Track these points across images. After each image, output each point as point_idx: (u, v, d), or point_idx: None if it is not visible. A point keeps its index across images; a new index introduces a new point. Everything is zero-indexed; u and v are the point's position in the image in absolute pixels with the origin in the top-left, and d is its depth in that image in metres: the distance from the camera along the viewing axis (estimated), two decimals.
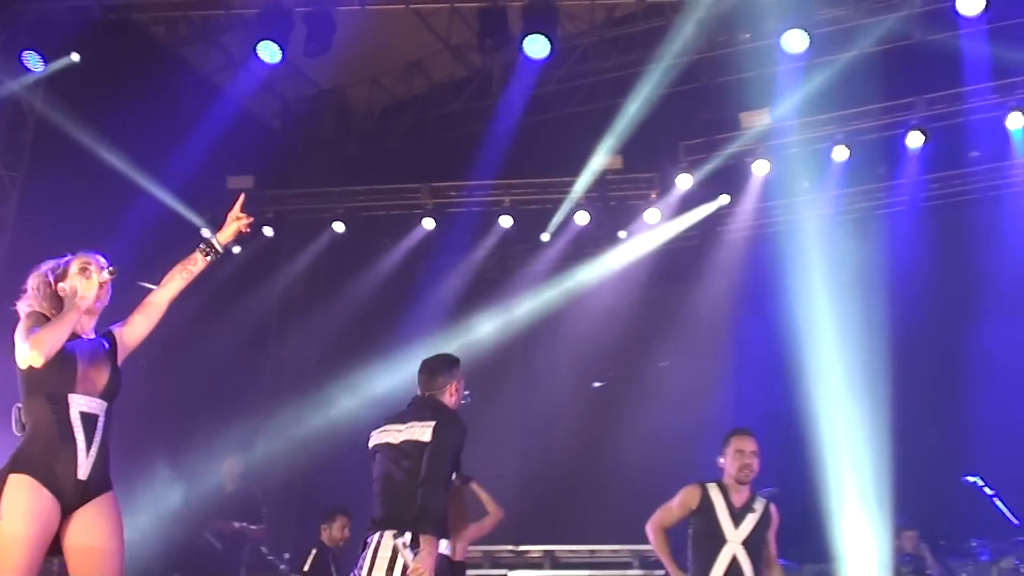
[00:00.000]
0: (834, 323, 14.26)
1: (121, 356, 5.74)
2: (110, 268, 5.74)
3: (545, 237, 15.75)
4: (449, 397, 6.89)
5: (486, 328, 15.80)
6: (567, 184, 15.36)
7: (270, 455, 14.83)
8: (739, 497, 7.94)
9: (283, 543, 13.11)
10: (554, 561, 12.64)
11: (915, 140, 13.89)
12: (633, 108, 14.31)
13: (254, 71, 14.05)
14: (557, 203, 15.56)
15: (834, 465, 12.80)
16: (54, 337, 5.29)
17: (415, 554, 5.91)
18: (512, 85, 14.44)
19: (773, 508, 8.06)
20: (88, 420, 5.43)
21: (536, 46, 12.67)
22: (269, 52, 12.95)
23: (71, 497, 5.32)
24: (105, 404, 5.52)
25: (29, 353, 5.25)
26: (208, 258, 5.95)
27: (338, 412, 15.04)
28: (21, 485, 5.22)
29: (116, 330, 5.82)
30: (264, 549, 12.62)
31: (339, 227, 15.64)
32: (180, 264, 5.95)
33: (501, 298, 16.02)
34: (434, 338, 15.67)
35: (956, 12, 11.87)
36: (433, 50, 15.80)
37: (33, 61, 12.96)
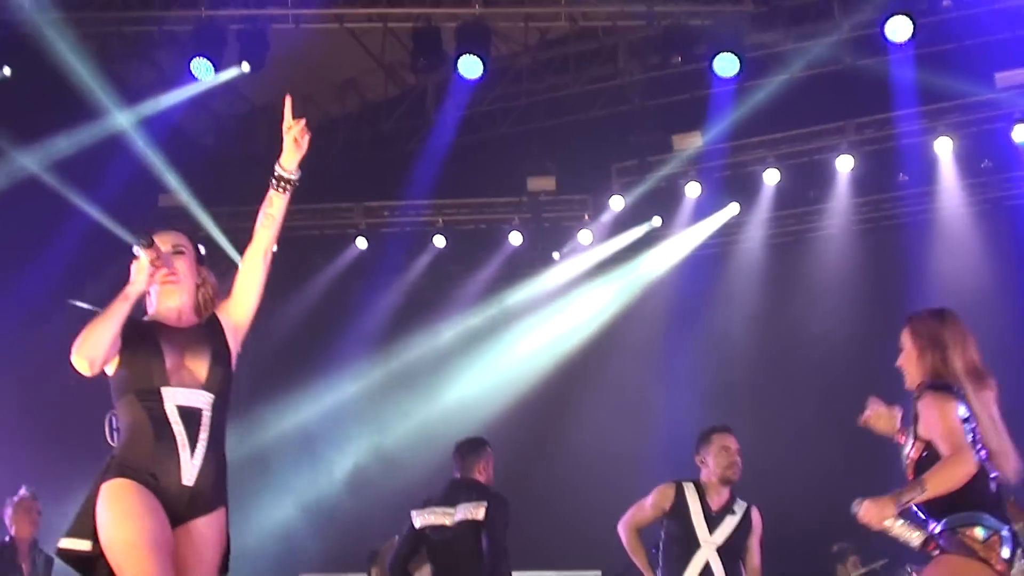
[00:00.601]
0: (761, 346, 14.41)
1: (233, 335, 5.12)
2: (141, 242, 4.94)
3: (479, 258, 15.80)
4: (483, 475, 7.97)
5: (418, 349, 15.82)
6: (501, 205, 15.41)
7: None
8: (718, 499, 7.71)
9: None
10: None
11: (845, 164, 14.06)
12: (566, 130, 14.39)
13: (187, 88, 13.98)
14: (491, 224, 15.60)
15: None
16: (95, 335, 4.70)
17: None
18: (446, 105, 14.46)
19: (756, 513, 7.81)
20: (189, 415, 4.75)
21: (470, 66, 12.71)
22: (202, 69, 12.91)
23: (176, 505, 4.66)
24: (211, 396, 4.84)
25: (74, 359, 4.71)
26: (284, 191, 5.15)
27: (269, 435, 14.94)
28: (121, 488, 4.59)
29: (219, 310, 5.19)
30: None
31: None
32: (261, 211, 5.20)
33: (434, 319, 16.02)
34: (367, 359, 15.68)
35: (885, 38, 12.02)
36: (367, 69, 15.77)
37: None
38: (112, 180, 13.64)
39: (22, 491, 9.89)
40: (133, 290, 4.84)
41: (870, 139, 14.24)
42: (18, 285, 12.50)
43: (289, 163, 5.15)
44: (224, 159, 16.36)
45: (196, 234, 15.32)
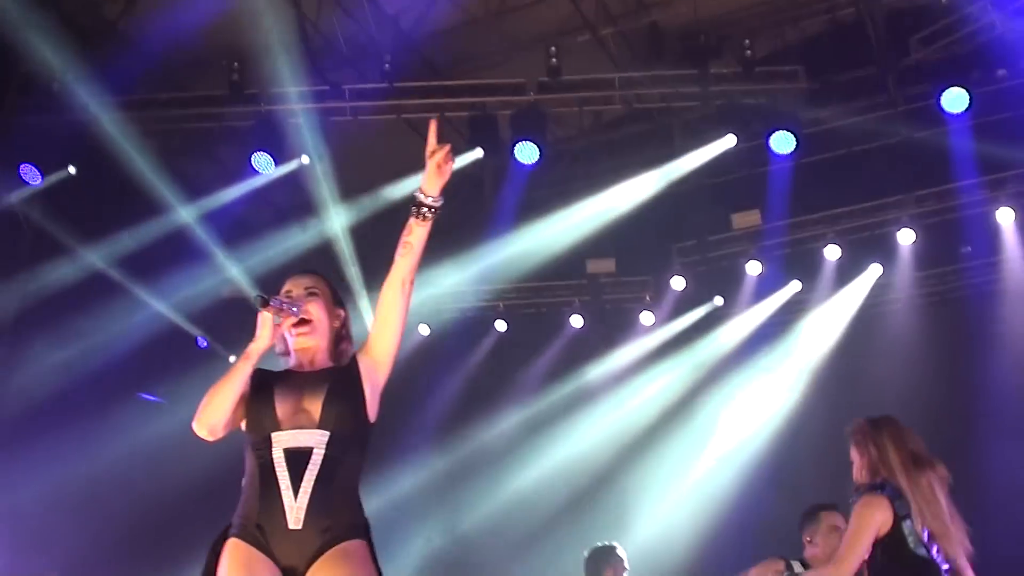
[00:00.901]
0: (828, 424, 14.28)
1: (372, 373, 4.77)
2: (257, 297, 4.74)
3: (540, 341, 15.80)
4: None
5: (482, 434, 15.79)
6: (561, 288, 15.43)
7: None
8: None
9: None
10: None
11: (906, 237, 13.98)
12: (624, 211, 14.41)
13: (249, 181, 14.16)
14: (551, 307, 15.62)
15: None
16: (214, 402, 4.62)
17: None
18: (503, 190, 14.54)
19: None
20: (296, 457, 4.47)
21: (526, 152, 12.81)
22: (263, 163, 13.08)
23: (289, 555, 4.41)
24: (325, 433, 4.52)
25: (195, 427, 4.65)
26: (424, 219, 4.97)
27: None
28: (230, 551, 4.44)
29: (359, 351, 4.89)
30: None
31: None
32: (400, 240, 4.97)
33: (497, 403, 16.00)
34: (431, 445, 15.67)
35: (941, 109, 12.01)
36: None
37: (30, 174, 13.10)
38: (176, 274, 13.81)
39: None
40: (254, 348, 4.69)
41: (930, 211, 14.17)
42: (87, 378, 12.63)
43: (431, 188, 4.99)
44: (286, 250, 16.49)
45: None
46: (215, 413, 4.59)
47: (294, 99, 13.25)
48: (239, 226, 14.69)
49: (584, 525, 14.08)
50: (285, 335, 4.85)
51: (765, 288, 15.04)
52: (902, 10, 13.01)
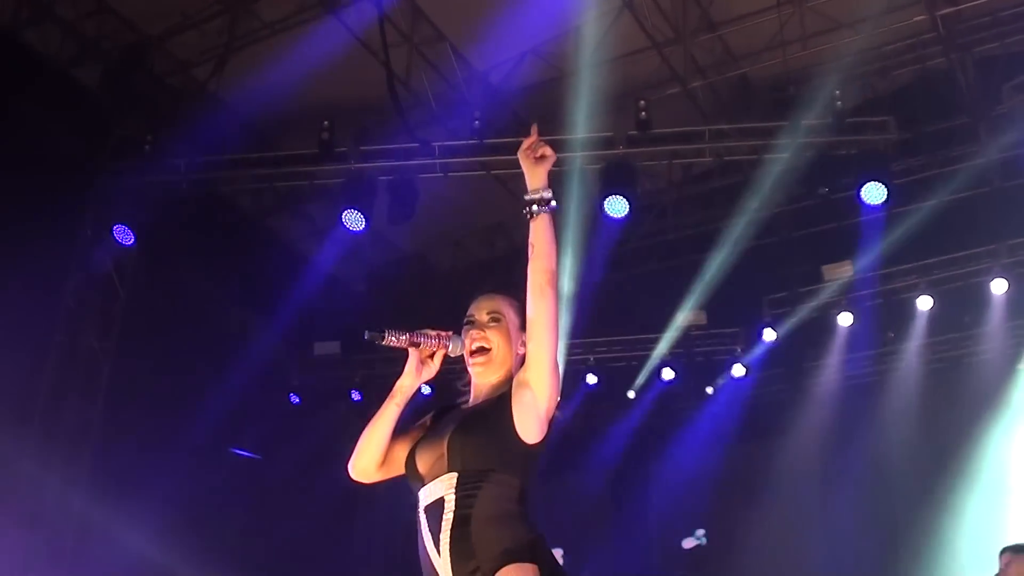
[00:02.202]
0: (921, 473, 14.09)
1: (523, 393, 4.27)
2: (370, 333, 4.37)
3: (631, 394, 15.73)
4: None
5: (574, 487, 15.74)
6: (652, 341, 15.37)
7: None
8: None
9: None
10: None
11: (999, 287, 13.79)
12: (715, 263, 14.36)
13: (339, 239, 14.28)
14: (642, 360, 15.57)
15: None
16: (360, 445, 4.46)
17: None
18: (593, 244, 14.54)
19: None
20: (433, 512, 4.18)
21: (616, 206, 12.80)
22: (353, 220, 13.19)
23: None
24: (454, 475, 4.17)
25: (351, 473, 4.48)
26: (535, 216, 4.53)
27: None
28: None
29: (517, 372, 4.42)
30: None
31: (426, 390, 15.73)
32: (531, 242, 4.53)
33: (588, 457, 15.96)
34: None
35: None
36: (514, 212, 15.92)
37: (124, 235, 13.31)
38: (268, 330, 13.96)
39: None
40: (398, 386, 4.50)
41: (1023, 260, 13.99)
42: (181, 433, 12.78)
43: (532, 181, 4.60)
44: (375, 305, 16.63)
45: (351, 380, 15.64)
46: (359, 456, 4.46)
47: (385, 157, 13.38)
48: (329, 283, 14.83)
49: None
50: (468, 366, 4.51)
51: (856, 339, 14.90)
52: (993, 57, 12.92)
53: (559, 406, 4.37)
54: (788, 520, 14.59)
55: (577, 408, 16.11)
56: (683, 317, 15.17)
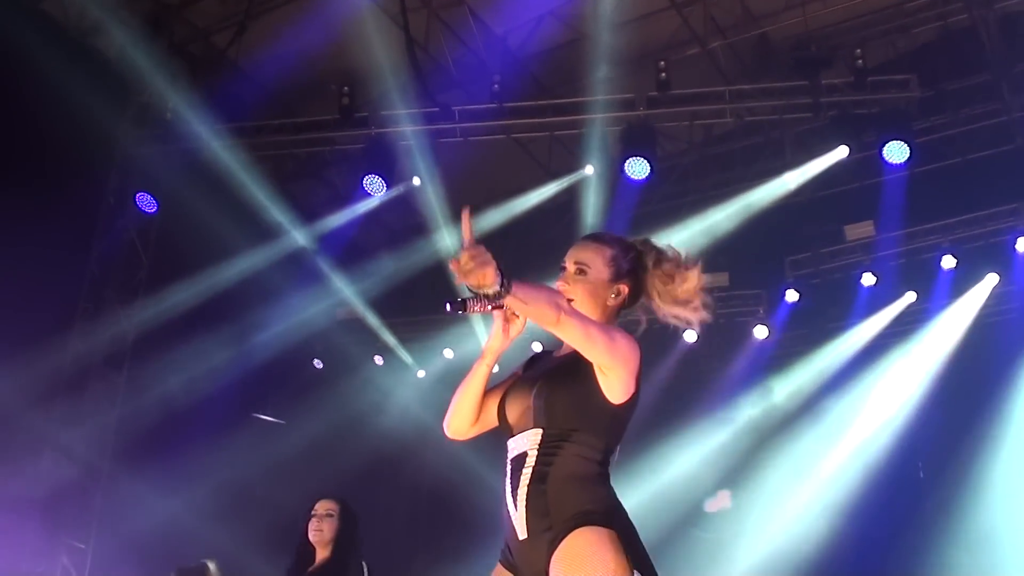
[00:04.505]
0: (944, 433, 14.06)
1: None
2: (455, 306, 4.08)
3: (654, 358, 15.72)
4: None
5: None
6: None
7: None
8: None
9: None
10: None
11: (1023, 245, 13.72)
12: (736, 225, 14.32)
13: (360, 203, 14.30)
14: (663, 322, 15.51)
15: None
16: (452, 405, 4.45)
17: None
18: (614, 207, 14.51)
19: None
20: (516, 464, 4.16)
21: (636, 168, 12.79)
22: (375, 185, 13.21)
23: (529, 567, 4.07)
24: (539, 432, 4.13)
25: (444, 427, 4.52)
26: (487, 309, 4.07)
27: None
28: None
29: None
30: None
31: (448, 354, 15.78)
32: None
33: None
34: None
35: None
36: (534, 176, 15.96)
37: (147, 202, 13.37)
38: (291, 296, 14.00)
39: None
40: (486, 347, 4.38)
41: None
42: (205, 399, 12.85)
43: (478, 287, 3.91)
44: (399, 272, 16.64)
45: (377, 345, 15.71)
46: (452, 416, 4.45)
47: (404, 121, 13.38)
48: (352, 248, 14.86)
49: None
50: None
51: (879, 299, 14.84)
52: (1016, 14, 12.82)
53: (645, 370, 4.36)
54: (808, 480, 14.61)
55: None
56: (705, 279, 15.09)
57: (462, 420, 4.45)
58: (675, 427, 15.48)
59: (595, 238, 4.57)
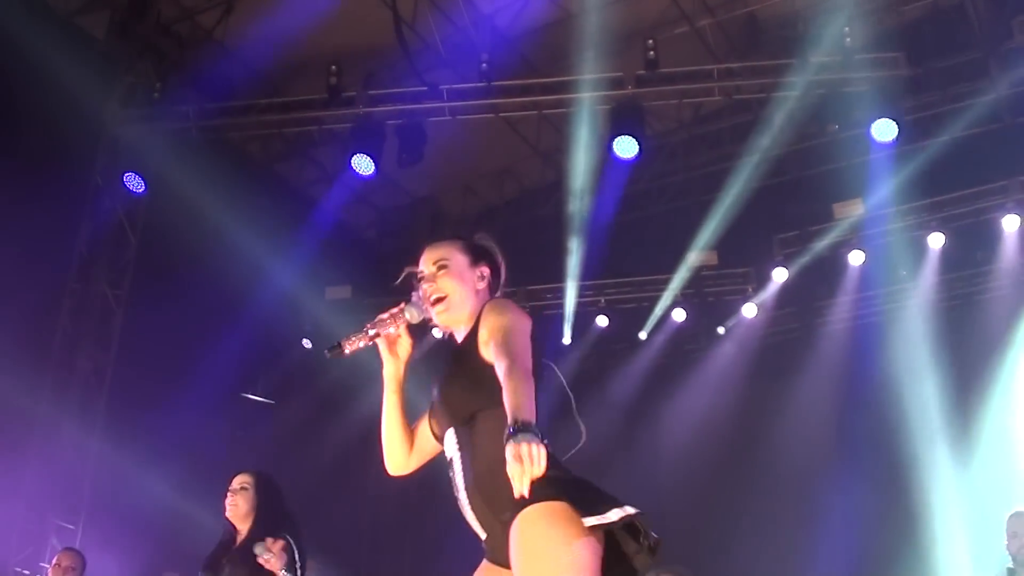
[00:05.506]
0: (942, 411, 14.07)
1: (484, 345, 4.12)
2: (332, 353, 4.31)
3: (642, 335, 15.72)
4: None
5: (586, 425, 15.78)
6: (662, 282, 15.35)
7: None
8: None
9: None
10: None
11: (1011, 223, 13.73)
12: (725, 203, 14.32)
13: (348, 183, 14.29)
14: (653, 301, 15.54)
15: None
16: (384, 447, 4.50)
17: None
18: (602, 186, 14.51)
19: None
20: (452, 470, 4.14)
21: (625, 147, 12.78)
22: (363, 164, 13.20)
23: (502, 560, 3.93)
24: (452, 432, 4.16)
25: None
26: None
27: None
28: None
29: None
30: None
31: (438, 333, 15.75)
32: None
33: (601, 399, 15.96)
34: None
35: None
36: (523, 156, 15.96)
37: (134, 182, 13.34)
38: (279, 275, 13.99)
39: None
40: (385, 375, 4.45)
41: None
42: (193, 380, 12.84)
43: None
44: (386, 251, 16.66)
45: (362, 326, 15.67)
46: (388, 457, 4.49)
47: (392, 101, 13.38)
48: (340, 228, 14.85)
49: (689, 518, 13.99)
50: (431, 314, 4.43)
51: (868, 277, 14.85)
52: None
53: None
54: (799, 458, 14.59)
55: (588, 350, 16.11)
56: (694, 257, 15.12)
57: (395, 456, 4.49)
58: (664, 406, 15.54)
59: (439, 238, 4.62)
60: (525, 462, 3.44)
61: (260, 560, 6.52)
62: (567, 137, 13.68)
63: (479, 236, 4.64)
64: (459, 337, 4.37)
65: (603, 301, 15.69)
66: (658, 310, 15.48)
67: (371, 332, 4.37)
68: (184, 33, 14.04)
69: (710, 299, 15.48)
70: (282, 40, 12.92)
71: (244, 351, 13.59)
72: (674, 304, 15.39)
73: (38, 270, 12.18)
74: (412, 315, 4.41)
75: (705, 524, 14.65)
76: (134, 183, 13.38)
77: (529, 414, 3.59)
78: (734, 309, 15.45)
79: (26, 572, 12.13)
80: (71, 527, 12.61)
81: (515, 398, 3.67)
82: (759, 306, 15.24)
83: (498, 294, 4.48)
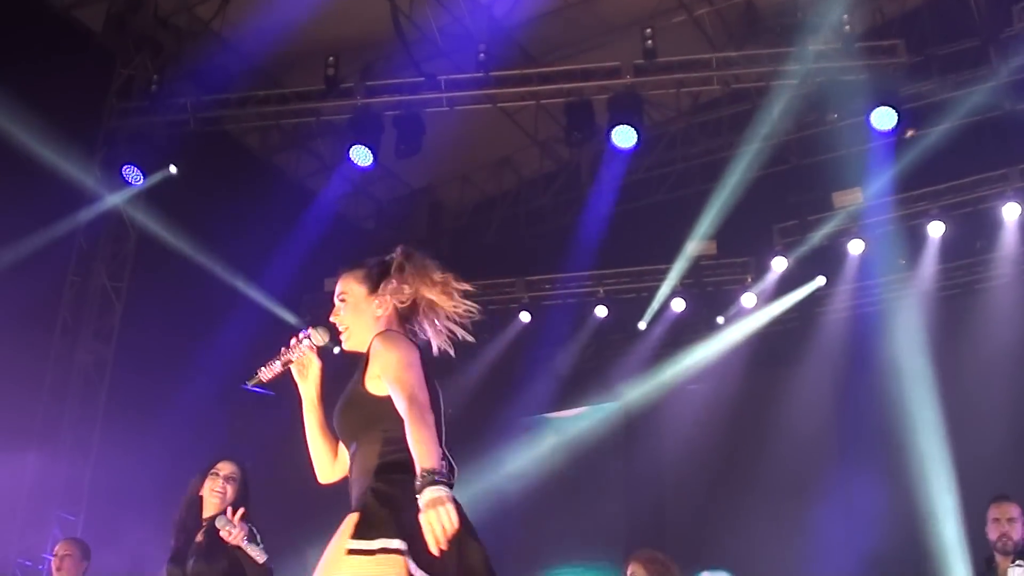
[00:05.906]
0: (940, 401, 14.04)
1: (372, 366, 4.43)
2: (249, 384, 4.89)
3: (642, 326, 15.69)
4: None
5: (583, 421, 15.78)
6: (661, 272, 15.33)
7: None
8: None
9: None
10: None
11: (1011, 211, 13.70)
12: (724, 193, 14.29)
13: (347, 175, 14.29)
14: (652, 291, 15.52)
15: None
16: (312, 460, 4.82)
17: None
18: (601, 176, 14.50)
19: None
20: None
21: (623, 136, 12.76)
22: (361, 156, 13.19)
23: None
24: (347, 445, 4.52)
25: None
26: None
27: None
28: None
29: None
30: None
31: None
32: None
33: (600, 389, 15.96)
34: (534, 431, 15.68)
35: None
36: (521, 146, 15.95)
37: (133, 175, 13.33)
38: (278, 267, 13.98)
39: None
40: (302, 395, 4.88)
41: None
42: (192, 372, 12.83)
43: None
44: (384, 242, 16.60)
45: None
46: (316, 468, 4.80)
47: (391, 91, 13.37)
48: (338, 219, 14.83)
49: (693, 506, 13.98)
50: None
51: (868, 266, 14.82)
52: None
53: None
54: (799, 447, 14.58)
55: (587, 341, 16.10)
56: (693, 247, 15.10)
57: (320, 466, 4.79)
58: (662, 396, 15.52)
59: (349, 267, 4.89)
60: (437, 530, 3.69)
61: (222, 532, 6.54)
62: (565, 127, 13.65)
63: (393, 254, 4.89)
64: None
65: (602, 291, 15.67)
66: (657, 300, 15.45)
67: (283, 359, 4.84)
68: (181, 25, 14.04)
69: (709, 289, 15.45)
70: (279, 32, 12.90)
71: (244, 341, 13.56)
72: (673, 294, 15.36)
73: (39, 263, 12.18)
74: (319, 337, 4.85)
75: (704, 511, 14.65)
76: (133, 175, 13.36)
77: (433, 461, 3.82)
78: (733, 299, 15.41)
79: (28, 563, 12.16)
80: (72, 518, 12.62)
81: (418, 446, 3.90)
82: (758, 296, 15.20)
83: (437, 291, 4.77)
